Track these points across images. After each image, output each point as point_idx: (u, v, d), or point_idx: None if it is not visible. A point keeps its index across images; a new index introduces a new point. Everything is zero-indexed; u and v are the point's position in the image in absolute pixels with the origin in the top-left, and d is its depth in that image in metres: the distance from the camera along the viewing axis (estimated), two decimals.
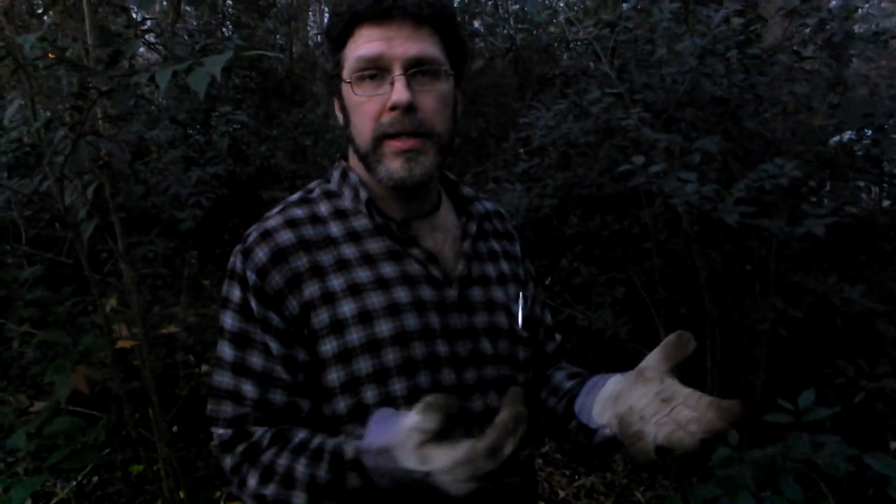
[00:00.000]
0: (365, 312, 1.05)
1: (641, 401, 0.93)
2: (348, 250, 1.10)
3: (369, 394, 1.04)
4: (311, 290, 1.06)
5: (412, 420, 0.88)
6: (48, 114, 2.35)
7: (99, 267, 3.09)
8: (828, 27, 3.04)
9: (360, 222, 1.13)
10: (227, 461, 1.06)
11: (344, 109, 1.13)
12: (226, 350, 1.09)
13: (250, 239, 1.09)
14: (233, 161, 5.14)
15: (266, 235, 1.08)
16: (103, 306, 2.65)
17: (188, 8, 6.66)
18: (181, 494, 2.85)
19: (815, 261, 3.19)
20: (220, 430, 1.07)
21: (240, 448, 1.05)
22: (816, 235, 2.52)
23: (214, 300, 4.47)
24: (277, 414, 1.06)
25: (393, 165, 1.06)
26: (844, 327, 3.11)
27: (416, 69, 1.05)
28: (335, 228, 1.12)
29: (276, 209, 1.15)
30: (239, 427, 1.06)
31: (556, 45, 4.40)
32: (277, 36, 6.72)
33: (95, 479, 3.54)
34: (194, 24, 6.72)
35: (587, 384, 1.11)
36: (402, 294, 1.08)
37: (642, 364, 0.98)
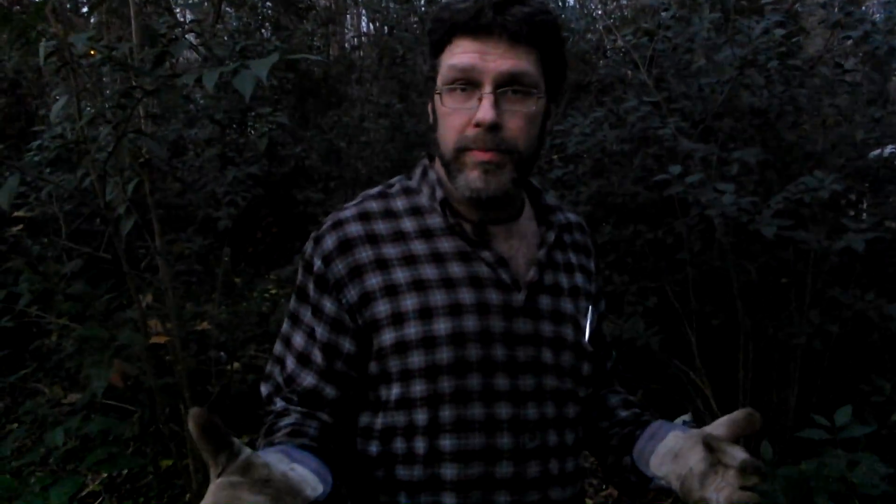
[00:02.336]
0: (426, 309, 1.07)
1: (702, 464, 0.98)
2: (419, 246, 1.12)
3: (417, 388, 1.07)
4: (372, 281, 1.09)
5: None
6: (92, 111, 2.40)
7: (136, 263, 3.13)
8: (870, 40, 2.99)
9: (435, 220, 1.15)
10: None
11: (433, 114, 1.14)
12: (285, 322, 1.19)
13: (324, 227, 1.14)
14: (268, 161, 5.19)
15: (337, 225, 1.13)
16: (139, 302, 2.69)
17: (228, 9, 6.73)
18: None
19: (854, 276, 3.14)
20: (263, 388, 1.19)
21: (267, 409, 1.17)
22: (855, 250, 2.49)
23: (246, 298, 4.51)
24: (300, 394, 1.13)
25: (471, 176, 1.07)
26: (882, 344, 3.06)
27: (507, 87, 1.05)
28: (408, 224, 1.14)
29: (355, 201, 1.19)
30: (273, 392, 1.17)
31: (593, 52, 4.38)
32: (315, 38, 6.78)
33: (126, 472, 3.59)
34: (234, 25, 6.79)
35: (647, 430, 1.14)
36: (466, 295, 1.09)
37: (707, 429, 1.01)
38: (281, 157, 5.70)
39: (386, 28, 6.91)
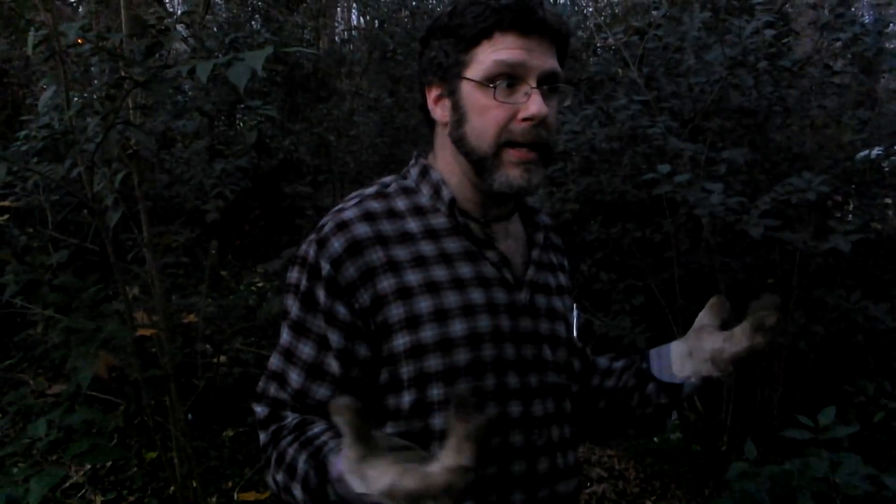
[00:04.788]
0: (441, 311, 1.06)
1: (717, 344, 1.13)
2: (426, 247, 1.10)
3: (434, 391, 1.05)
4: (385, 284, 1.05)
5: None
6: (80, 101, 2.38)
7: (123, 254, 3.11)
8: (859, 42, 3.01)
9: (438, 220, 1.13)
10: (262, 438, 1.09)
11: (458, 108, 1.11)
12: (283, 335, 1.12)
13: (326, 229, 1.08)
14: (256, 154, 5.17)
15: (342, 226, 1.07)
16: (126, 294, 2.67)
17: (218, 1, 6.70)
18: (194, 483, 2.86)
19: (839, 277, 3.16)
20: (259, 408, 1.11)
21: (272, 428, 1.08)
22: (841, 251, 2.51)
23: (233, 291, 4.50)
24: (315, 408, 1.07)
25: (513, 173, 1.08)
26: (866, 345, 3.08)
27: (546, 85, 1.08)
28: (413, 224, 1.12)
29: (352, 201, 1.14)
30: (275, 409, 1.09)
31: (583, 50, 4.39)
32: (305, 31, 6.75)
33: (109, 464, 3.58)
34: (223, 17, 6.76)
35: (650, 355, 1.25)
36: (476, 295, 1.08)
37: (696, 324, 1.18)
38: (270, 149, 5.67)
39: (377, 22, 6.90)
